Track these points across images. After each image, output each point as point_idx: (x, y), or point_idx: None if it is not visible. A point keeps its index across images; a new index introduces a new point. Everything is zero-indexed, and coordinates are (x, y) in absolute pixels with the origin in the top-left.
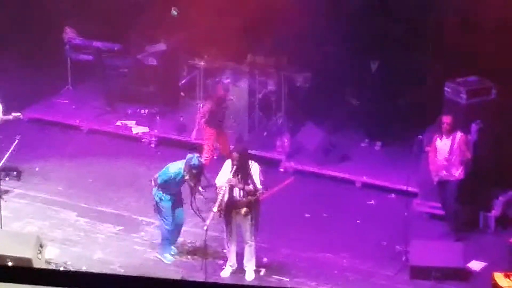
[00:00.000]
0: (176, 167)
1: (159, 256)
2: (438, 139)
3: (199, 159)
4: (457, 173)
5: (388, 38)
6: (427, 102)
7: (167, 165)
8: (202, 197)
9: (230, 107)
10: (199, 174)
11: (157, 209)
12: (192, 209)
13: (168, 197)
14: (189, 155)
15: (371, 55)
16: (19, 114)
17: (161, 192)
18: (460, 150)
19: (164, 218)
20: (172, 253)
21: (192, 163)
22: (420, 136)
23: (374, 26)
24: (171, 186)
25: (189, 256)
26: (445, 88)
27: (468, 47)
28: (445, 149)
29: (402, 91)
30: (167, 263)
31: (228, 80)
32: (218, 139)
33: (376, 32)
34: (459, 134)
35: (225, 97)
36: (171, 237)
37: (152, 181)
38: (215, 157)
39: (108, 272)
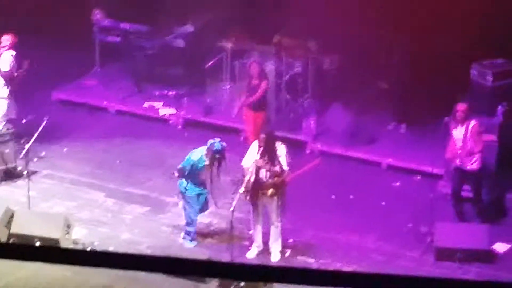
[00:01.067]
0: (198, 154)
1: (181, 240)
2: (454, 128)
3: (221, 143)
4: (470, 164)
5: (416, 19)
6: (454, 83)
7: (188, 154)
8: (226, 179)
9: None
10: (221, 159)
11: (183, 198)
12: (212, 196)
13: (193, 186)
14: (210, 141)
15: (397, 37)
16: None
17: (185, 182)
18: (473, 139)
19: (190, 207)
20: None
21: (214, 148)
22: (446, 118)
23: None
24: (195, 175)
25: (215, 238)
26: (471, 71)
27: (496, 29)
28: (459, 137)
29: (429, 73)
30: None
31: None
32: (256, 121)
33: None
34: (472, 123)
35: (259, 74)
36: (194, 224)
37: (176, 172)
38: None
39: (135, 253)
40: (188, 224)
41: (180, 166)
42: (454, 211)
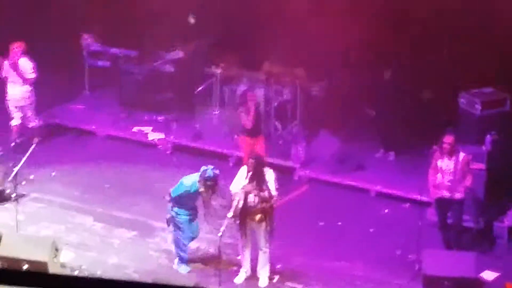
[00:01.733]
0: (190, 179)
1: (175, 266)
2: (439, 159)
3: (214, 170)
4: (459, 194)
5: (402, 44)
6: (442, 111)
7: (181, 180)
8: (217, 207)
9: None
10: (214, 186)
11: (174, 224)
12: (206, 221)
13: (184, 211)
14: (203, 167)
15: (385, 63)
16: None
17: (177, 207)
18: (462, 171)
19: (181, 232)
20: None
21: (207, 175)
22: (435, 146)
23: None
24: (186, 200)
25: (203, 263)
26: (460, 99)
27: (485, 55)
28: (448, 170)
29: (416, 100)
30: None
31: (243, 89)
32: (253, 147)
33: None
34: (462, 155)
35: (255, 101)
36: (187, 250)
37: (167, 197)
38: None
39: (122, 277)
40: (181, 250)
41: (170, 190)
42: (443, 240)
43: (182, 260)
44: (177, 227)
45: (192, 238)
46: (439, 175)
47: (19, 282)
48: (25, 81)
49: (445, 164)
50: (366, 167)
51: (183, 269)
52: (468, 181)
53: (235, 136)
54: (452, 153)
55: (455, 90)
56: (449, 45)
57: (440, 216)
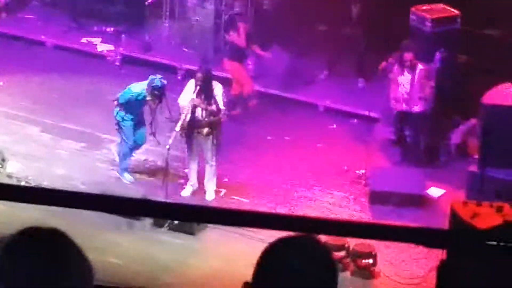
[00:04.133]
0: (139, 87)
1: (119, 175)
2: (399, 72)
3: (162, 80)
4: (417, 107)
5: None
6: (393, 28)
7: (129, 85)
8: (164, 118)
9: (195, 28)
10: (161, 95)
11: (119, 128)
12: (152, 131)
13: (130, 116)
14: (151, 76)
15: None
16: None
17: (123, 112)
18: (420, 84)
19: (126, 137)
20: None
21: (154, 84)
22: (384, 63)
23: None
24: (132, 106)
25: (150, 175)
26: (410, 16)
27: None
28: (406, 82)
29: (368, 18)
30: (127, 182)
31: (195, 1)
32: (242, 71)
33: None
34: (419, 67)
35: (247, 31)
36: (130, 156)
37: (115, 101)
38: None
39: (69, 188)
40: (124, 157)
41: (118, 95)
42: (400, 153)
43: (124, 167)
44: (122, 132)
45: (136, 146)
46: (399, 88)
47: None
48: None
49: (404, 77)
50: (316, 83)
51: (126, 177)
52: (426, 92)
53: (223, 60)
54: (410, 66)
55: (406, 6)
56: None
57: (396, 129)
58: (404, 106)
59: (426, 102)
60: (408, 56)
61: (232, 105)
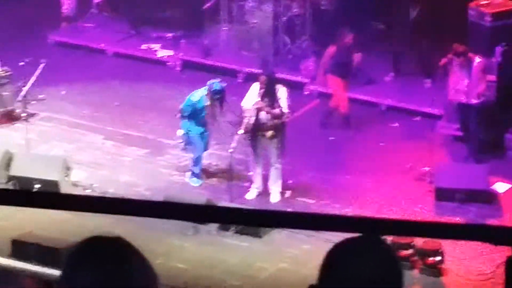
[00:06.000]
0: (198, 95)
1: (188, 180)
2: (457, 64)
3: (221, 84)
4: (475, 100)
5: None
6: (453, 25)
7: (188, 96)
8: (226, 121)
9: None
10: (221, 99)
11: (186, 139)
12: (215, 134)
13: (195, 126)
14: (210, 81)
15: None
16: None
17: (187, 123)
18: (477, 77)
19: (193, 147)
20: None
21: (214, 88)
22: (443, 59)
23: None
24: (195, 115)
25: (214, 179)
26: (469, 11)
27: None
28: (464, 75)
29: (427, 14)
30: (192, 186)
31: (253, 4)
32: (343, 88)
33: None
34: (477, 60)
35: (350, 43)
36: (199, 164)
37: (178, 113)
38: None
39: (134, 195)
40: (194, 164)
41: (181, 107)
42: (464, 149)
43: (194, 174)
44: (190, 142)
45: (203, 152)
46: (458, 80)
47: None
48: None
49: (462, 70)
50: (377, 81)
51: (195, 181)
52: (481, 87)
53: (326, 74)
54: (467, 58)
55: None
56: None
57: (459, 123)
58: (463, 98)
59: (483, 95)
60: (459, 48)
61: (327, 115)
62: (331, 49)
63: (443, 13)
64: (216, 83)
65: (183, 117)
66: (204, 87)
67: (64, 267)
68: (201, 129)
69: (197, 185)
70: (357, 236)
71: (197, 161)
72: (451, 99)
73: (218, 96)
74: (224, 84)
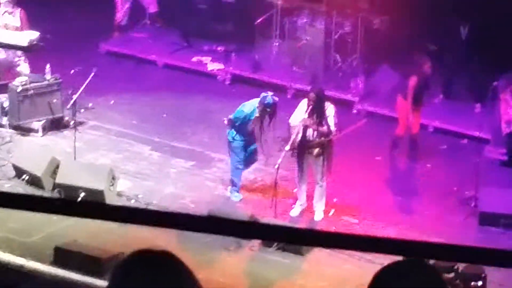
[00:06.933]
0: (250, 106)
1: (228, 193)
2: (507, 92)
3: (273, 97)
4: None
5: None
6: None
7: (241, 105)
8: (275, 137)
9: (305, 48)
10: (273, 113)
11: (229, 148)
12: (262, 148)
13: (240, 136)
14: (263, 94)
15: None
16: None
17: (234, 132)
18: None
19: (237, 157)
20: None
21: (266, 101)
22: (495, 83)
23: None
24: (244, 126)
25: (259, 194)
26: None
27: None
28: None
29: (481, 38)
30: (235, 200)
31: (305, 20)
32: (412, 114)
33: None
34: None
35: (429, 72)
36: (240, 174)
37: (226, 121)
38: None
39: (179, 207)
40: (234, 175)
41: (231, 116)
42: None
43: (235, 186)
44: (232, 151)
45: (247, 164)
46: (509, 110)
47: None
48: None
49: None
50: (426, 102)
51: (236, 196)
52: None
53: (398, 97)
54: None
55: None
56: None
57: (507, 147)
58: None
59: None
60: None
61: (393, 146)
62: (413, 80)
63: (495, 31)
64: (269, 96)
65: (231, 126)
66: (256, 99)
67: (112, 278)
68: (245, 140)
69: (237, 199)
70: (403, 260)
71: (236, 172)
72: (503, 126)
73: (269, 110)
74: (276, 99)
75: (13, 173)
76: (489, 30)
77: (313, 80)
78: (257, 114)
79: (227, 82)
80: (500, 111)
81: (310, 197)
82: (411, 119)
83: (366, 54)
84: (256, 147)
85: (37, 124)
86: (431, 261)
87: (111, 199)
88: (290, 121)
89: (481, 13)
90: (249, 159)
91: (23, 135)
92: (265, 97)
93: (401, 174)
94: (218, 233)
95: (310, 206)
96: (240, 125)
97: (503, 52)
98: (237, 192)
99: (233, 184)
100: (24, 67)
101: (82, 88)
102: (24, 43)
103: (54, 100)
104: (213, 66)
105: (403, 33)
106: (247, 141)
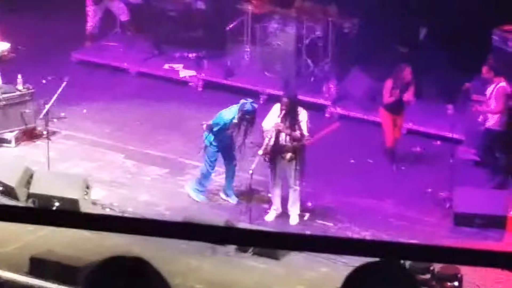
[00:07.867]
0: (230, 112)
1: (188, 191)
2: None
3: (253, 104)
4: (490, 122)
5: None
6: (475, 50)
7: (220, 112)
8: (249, 142)
9: (276, 53)
10: (252, 120)
11: (204, 151)
12: (239, 153)
13: (217, 142)
14: (242, 100)
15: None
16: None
17: (212, 137)
18: (495, 100)
19: (210, 161)
20: (232, 199)
21: (245, 108)
22: (467, 84)
23: None
24: (223, 132)
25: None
26: (493, 37)
27: None
28: (487, 95)
29: (450, 39)
30: (200, 201)
31: (276, 26)
32: (394, 124)
33: None
34: (500, 84)
35: (410, 80)
36: (208, 179)
37: (204, 125)
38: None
39: (154, 215)
40: (203, 177)
41: (211, 122)
42: (483, 174)
43: (202, 187)
44: (206, 155)
45: (229, 170)
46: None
47: (51, 221)
48: None
49: (487, 91)
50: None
51: (197, 196)
52: (498, 107)
53: (380, 108)
54: (492, 81)
55: (488, 27)
56: None
57: (481, 147)
58: (480, 119)
59: (502, 120)
60: (483, 69)
61: (389, 158)
62: (388, 83)
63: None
64: (248, 103)
65: (210, 131)
66: (235, 106)
67: (84, 285)
68: (221, 146)
69: (199, 200)
70: (377, 261)
71: (206, 174)
72: (480, 121)
73: (248, 117)
74: (256, 105)
75: None
76: (453, 31)
77: (285, 84)
78: (235, 121)
79: (200, 89)
80: (476, 110)
81: (285, 202)
82: (396, 131)
83: (337, 58)
84: (232, 153)
85: (9, 135)
86: (408, 262)
87: (86, 208)
88: (263, 125)
89: (444, 13)
90: (229, 167)
91: None
92: (244, 104)
93: (376, 176)
94: (193, 239)
95: (285, 210)
96: (218, 131)
97: (470, 54)
98: (203, 194)
99: (200, 185)
100: None
101: (54, 98)
102: None
103: (27, 111)
104: (185, 73)
105: (373, 36)
106: (224, 147)
